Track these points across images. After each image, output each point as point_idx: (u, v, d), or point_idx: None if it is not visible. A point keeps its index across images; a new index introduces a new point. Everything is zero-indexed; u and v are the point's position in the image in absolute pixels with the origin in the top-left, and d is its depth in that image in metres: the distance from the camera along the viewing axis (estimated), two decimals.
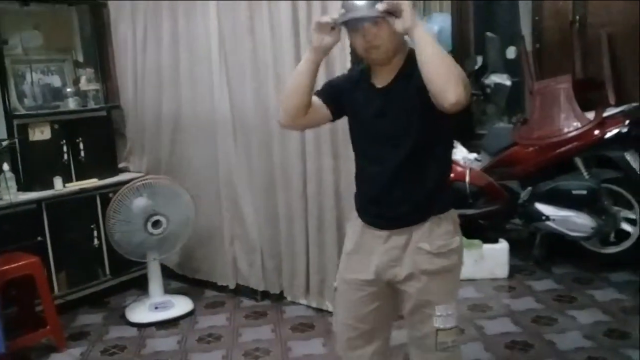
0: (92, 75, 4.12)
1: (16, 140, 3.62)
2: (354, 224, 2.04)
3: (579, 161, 3.92)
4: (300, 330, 3.37)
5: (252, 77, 3.55)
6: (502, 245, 4.00)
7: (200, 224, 3.82)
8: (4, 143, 3.58)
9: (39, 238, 3.52)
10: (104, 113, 4.11)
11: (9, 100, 3.66)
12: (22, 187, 3.57)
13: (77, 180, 3.81)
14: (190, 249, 4.00)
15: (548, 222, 3.89)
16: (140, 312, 3.61)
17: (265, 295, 3.79)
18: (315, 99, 1.94)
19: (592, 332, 3.14)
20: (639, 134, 3.76)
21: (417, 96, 1.72)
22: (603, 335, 3.10)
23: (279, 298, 3.75)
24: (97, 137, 3.99)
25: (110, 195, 3.64)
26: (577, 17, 4.44)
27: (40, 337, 3.26)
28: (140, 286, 3.91)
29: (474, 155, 4.39)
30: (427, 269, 1.88)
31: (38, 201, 3.55)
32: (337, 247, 3.25)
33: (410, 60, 1.78)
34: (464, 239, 4.06)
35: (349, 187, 2.07)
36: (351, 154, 2.08)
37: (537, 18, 4.72)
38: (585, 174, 3.88)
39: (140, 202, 3.50)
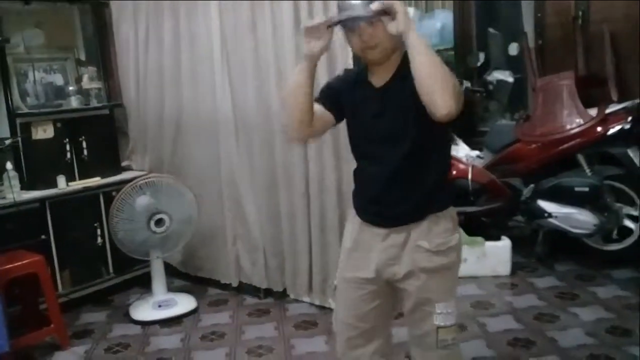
0: (94, 74, 4.13)
1: (19, 139, 3.63)
2: (352, 222, 2.05)
3: (581, 158, 3.91)
4: (303, 327, 3.38)
5: (254, 76, 3.55)
6: (505, 243, 4.00)
7: (203, 223, 3.83)
8: (7, 142, 3.59)
9: (43, 237, 3.54)
10: (106, 111, 4.12)
11: (11, 99, 3.67)
12: (25, 185, 3.59)
13: (80, 178, 3.82)
14: (193, 247, 4.01)
15: (550, 219, 3.89)
16: (144, 310, 3.63)
17: (268, 293, 3.80)
18: (317, 106, 1.91)
19: (595, 329, 3.14)
20: None
21: (414, 96, 1.70)
22: (605, 333, 3.10)
23: (282, 296, 3.76)
24: (100, 135, 4.00)
25: (114, 193, 3.66)
26: (580, 13, 4.42)
27: (44, 336, 3.28)
28: (144, 284, 3.92)
29: (476, 152, 4.39)
30: (426, 266, 1.89)
31: (41, 200, 3.56)
32: (339, 245, 3.21)
33: (406, 61, 1.77)
34: (466, 236, 4.10)
35: (351, 186, 2.06)
36: None
37: (539, 14, 4.71)
38: (587, 170, 3.87)
39: (143, 201, 3.51)
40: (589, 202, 3.77)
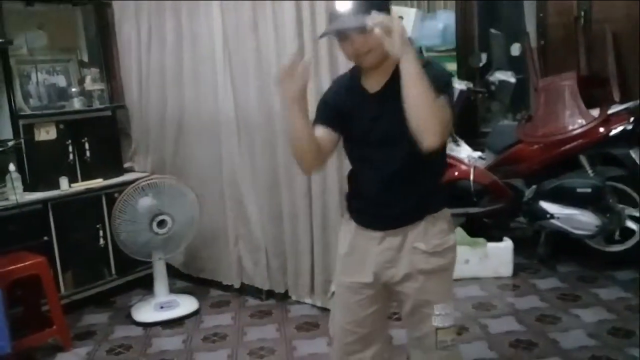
0: (97, 75, 4.14)
1: (22, 141, 3.64)
2: (346, 226, 2.04)
3: (583, 159, 3.91)
4: (305, 329, 3.38)
5: (256, 76, 3.56)
6: (507, 244, 4.00)
7: (205, 223, 3.84)
8: (10, 143, 3.60)
9: (45, 238, 3.55)
10: (109, 113, 4.14)
11: (14, 101, 3.68)
12: (28, 187, 3.60)
13: (82, 180, 3.83)
14: (195, 249, 4.02)
15: (552, 220, 3.89)
16: (146, 312, 3.63)
17: (270, 294, 3.80)
18: (320, 131, 1.87)
19: (597, 331, 3.14)
20: None
21: None
22: (607, 334, 3.09)
23: (284, 297, 3.76)
24: (103, 137, 4.01)
25: (116, 195, 3.66)
26: (582, 13, 4.42)
27: (46, 337, 3.28)
28: (146, 286, 3.93)
29: (478, 153, 4.38)
30: (424, 268, 1.89)
31: (44, 201, 3.57)
32: None
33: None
34: (468, 237, 4.10)
35: None
36: None
37: (541, 15, 4.71)
38: (590, 171, 3.87)
39: (145, 202, 3.51)
40: (591, 203, 3.76)
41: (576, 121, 3.90)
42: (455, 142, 4.44)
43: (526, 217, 4.13)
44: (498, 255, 3.97)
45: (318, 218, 3.46)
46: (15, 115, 3.66)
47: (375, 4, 1.71)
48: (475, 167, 4.17)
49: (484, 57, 5.09)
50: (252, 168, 3.70)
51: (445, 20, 5.43)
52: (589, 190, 3.76)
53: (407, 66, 1.63)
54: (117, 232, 3.51)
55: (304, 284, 3.64)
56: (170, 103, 4.02)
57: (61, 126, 3.76)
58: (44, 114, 3.78)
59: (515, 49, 5.06)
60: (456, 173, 4.16)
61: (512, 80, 4.56)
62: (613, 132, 3.76)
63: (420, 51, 4.37)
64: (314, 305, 3.61)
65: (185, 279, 4.19)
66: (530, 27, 4.74)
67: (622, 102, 3.91)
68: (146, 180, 3.54)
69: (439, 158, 1.91)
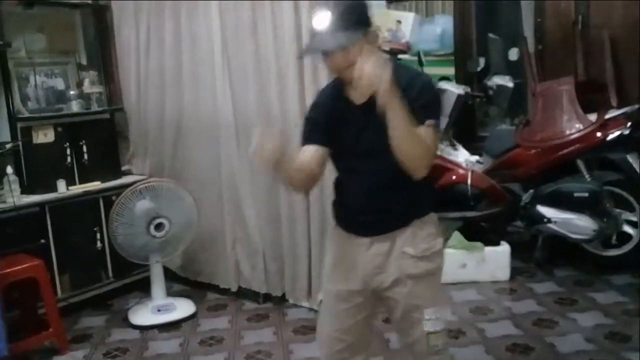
0: (95, 78, 4.15)
1: (20, 143, 3.65)
2: (334, 234, 2.04)
3: (581, 163, 3.91)
4: (302, 332, 3.37)
5: (255, 79, 3.56)
6: (504, 248, 4.00)
7: (203, 227, 3.83)
8: (8, 146, 3.60)
9: (42, 241, 3.54)
10: (107, 116, 4.14)
11: (12, 103, 3.69)
12: (25, 190, 3.60)
13: (80, 183, 3.83)
14: (192, 252, 4.01)
15: (550, 225, 3.89)
16: (143, 315, 3.63)
17: (267, 297, 3.80)
18: (310, 150, 1.86)
19: (593, 335, 3.14)
20: None
21: None
22: (604, 338, 3.10)
23: (281, 300, 3.76)
24: (101, 139, 4.01)
25: (114, 198, 3.67)
26: (580, 18, 4.43)
27: (43, 340, 3.28)
28: (143, 289, 3.92)
29: (475, 157, 4.39)
30: (412, 273, 1.88)
31: (41, 204, 3.57)
32: None
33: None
34: (466, 241, 4.10)
35: None
36: None
37: (539, 19, 4.71)
38: (587, 176, 3.88)
39: (143, 205, 3.51)
40: (588, 207, 3.76)
41: (574, 126, 3.90)
42: (453, 146, 4.45)
43: (523, 221, 4.13)
44: (495, 259, 3.97)
45: (316, 222, 3.46)
46: (13, 118, 3.67)
47: (354, 20, 1.68)
48: (472, 171, 4.17)
49: (481, 61, 5.10)
50: (251, 171, 3.70)
51: (443, 24, 5.44)
52: (586, 194, 3.76)
53: (393, 115, 1.62)
54: (115, 235, 3.51)
55: (301, 287, 3.64)
56: (168, 105, 4.02)
57: (59, 129, 3.76)
58: (42, 117, 3.79)
59: (513, 54, 5.06)
60: (454, 177, 4.16)
61: (510, 84, 4.56)
62: (610, 136, 3.77)
63: (418, 56, 4.38)
64: (311, 309, 3.60)
65: (183, 282, 4.19)
66: (528, 31, 4.75)
67: (619, 107, 3.92)
68: (144, 183, 3.54)
69: None
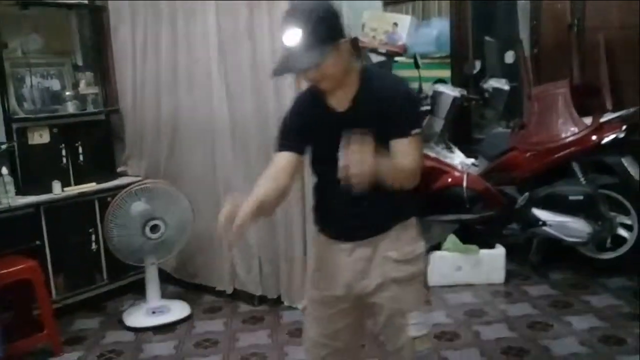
0: (91, 79, 4.14)
1: (15, 144, 3.64)
2: (316, 240, 2.03)
3: (576, 166, 3.92)
4: (297, 335, 3.36)
5: (251, 81, 3.55)
6: (499, 251, 4.01)
7: (198, 229, 3.82)
8: (3, 147, 3.60)
9: (37, 242, 3.53)
10: (102, 117, 4.14)
11: (8, 104, 3.68)
12: (20, 191, 3.58)
13: (75, 184, 3.82)
14: (188, 254, 4.01)
15: (545, 228, 3.90)
16: (138, 317, 3.62)
17: (262, 300, 3.80)
18: (285, 156, 1.84)
19: (588, 338, 3.15)
20: (636, 140, 3.77)
21: (376, 119, 1.71)
22: (599, 342, 3.10)
23: (276, 303, 3.76)
24: (96, 141, 4.00)
25: (109, 199, 3.66)
26: (575, 21, 4.44)
27: (37, 342, 3.27)
28: (138, 291, 3.91)
29: (471, 160, 4.40)
30: (396, 277, 1.87)
31: (36, 205, 3.56)
32: None
33: (366, 80, 1.77)
34: (461, 244, 4.10)
35: None
36: None
37: (535, 22, 4.73)
38: (582, 179, 3.88)
39: (138, 207, 3.50)
40: (583, 210, 3.78)
41: (569, 129, 3.92)
42: (449, 148, 4.46)
43: (519, 224, 4.14)
44: (490, 262, 3.98)
45: (311, 224, 3.44)
46: (8, 119, 3.65)
47: (325, 35, 1.66)
48: (468, 174, 4.18)
49: (478, 64, 5.11)
50: (246, 174, 3.69)
51: (439, 27, 5.45)
52: (581, 197, 3.78)
53: (378, 176, 1.66)
54: (110, 236, 3.50)
55: (296, 289, 3.63)
56: (164, 107, 4.01)
57: (54, 130, 3.75)
58: (37, 118, 3.77)
59: (509, 57, 5.07)
60: (449, 180, 4.17)
61: (506, 87, 4.58)
62: (605, 140, 3.78)
63: (414, 58, 4.38)
64: None
65: (178, 284, 4.18)
66: (524, 34, 4.76)
67: (614, 110, 3.93)
68: (139, 185, 3.54)
69: None
